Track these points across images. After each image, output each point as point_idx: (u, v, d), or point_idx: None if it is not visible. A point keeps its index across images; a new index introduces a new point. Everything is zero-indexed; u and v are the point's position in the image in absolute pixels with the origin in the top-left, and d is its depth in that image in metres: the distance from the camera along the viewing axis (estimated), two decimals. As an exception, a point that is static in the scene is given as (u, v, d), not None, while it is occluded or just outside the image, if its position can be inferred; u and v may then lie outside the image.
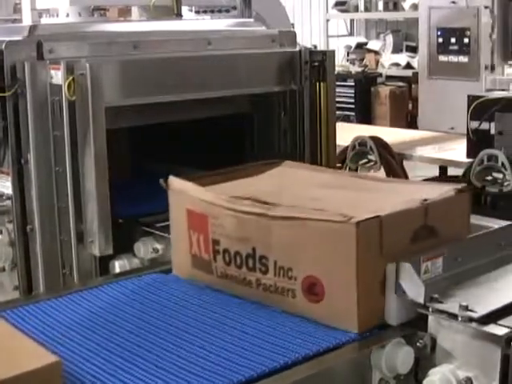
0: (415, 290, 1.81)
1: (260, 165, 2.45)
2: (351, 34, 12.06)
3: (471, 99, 4.45)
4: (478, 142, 4.39)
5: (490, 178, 4.03)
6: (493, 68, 8.75)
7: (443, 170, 5.18)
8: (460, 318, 1.73)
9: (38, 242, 2.90)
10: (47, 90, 2.84)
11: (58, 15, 3.51)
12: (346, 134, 4.79)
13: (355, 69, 10.83)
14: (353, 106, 10.27)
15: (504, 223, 2.21)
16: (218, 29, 3.60)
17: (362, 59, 11.06)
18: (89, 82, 2.73)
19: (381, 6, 10.80)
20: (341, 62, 10.87)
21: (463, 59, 9.19)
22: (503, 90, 4.83)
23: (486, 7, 8.79)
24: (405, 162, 4.93)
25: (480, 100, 4.41)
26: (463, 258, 1.93)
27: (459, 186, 2.07)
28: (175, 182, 2.22)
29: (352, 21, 12.02)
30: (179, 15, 3.67)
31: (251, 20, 3.78)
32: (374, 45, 11.16)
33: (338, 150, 3.97)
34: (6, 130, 2.86)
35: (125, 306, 2.04)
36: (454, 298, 1.80)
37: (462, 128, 4.77)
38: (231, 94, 3.38)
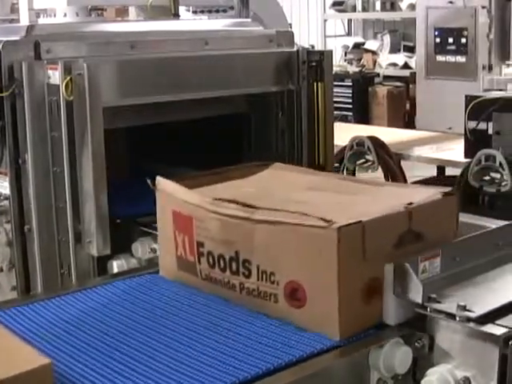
0: (413, 289, 1.81)
1: (249, 166, 2.43)
2: (349, 34, 12.07)
3: (469, 99, 4.46)
4: (475, 141, 4.40)
5: (487, 177, 4.04)
6: (490, 68, 8.76)
7: (441, 169, 5.19)
8: (458, 318, 1.73)
9: (36, 242, 2.90)
10: (45, 90, 2.83)
11: (55, 15, 3.51)
12: (344, 133, 4.80)
13: (353, 69, 10.85)
14: (350, 106, 10.28)
15: (502, 223, 2.20)
16: (215, 29, 3.60)
17: (360, 59, 11.07)
18: (86, 82, 2.73)
19: (378, 5, 10.81)
20: (338, 62, 10.88)
21: (461, 59, 9.20)
22: (501, 90, 4.83)
23: (483, 7, 8.80)
24: (402, 162, 4.94)
25: (478, 100, 4.42)
26: (461, 258, 1.93)
27: (447, 189, 2.04)
28: (162, 183, 2.20)
29: (349, 21, 12.04)
30: (176, 15, 3.67)
31: (248, 20, 3.78)
32: (371, 45, 11.17)
33: (335, 150, 3.97)
34: (4, 130, 2.86)
35: (116, 306, 2.03)
36: (452, 298, 1.80)
37: (459, 128, 4.79)
38: (229, 94, 3.38)
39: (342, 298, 1.79)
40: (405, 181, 4.78)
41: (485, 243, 2.04)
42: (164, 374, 1.66)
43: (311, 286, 1.84)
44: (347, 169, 4.74)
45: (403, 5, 10.43)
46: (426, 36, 9.47)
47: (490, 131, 4.36)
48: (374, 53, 10.98)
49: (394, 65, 10.56)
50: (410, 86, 10.02)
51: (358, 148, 4.63)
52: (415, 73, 9.83)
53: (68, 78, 2.75)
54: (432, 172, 5.30)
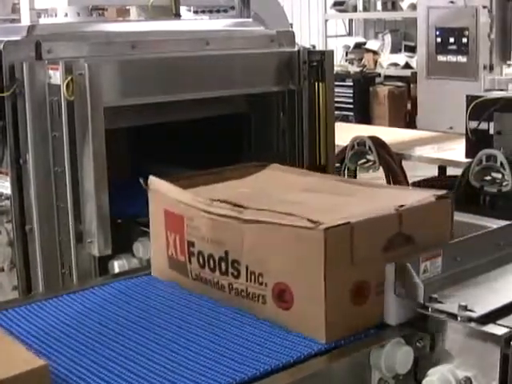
0: (414, 289, 1.81)
1: (246, 167, 2.42)
2: (350, 33, 12.08)
3: (470, 99, 4.46)
4: (476, 141, 4.40)
5: (488, 177, 4.04)
6: (491, 68, 8.76)
7: (442, 169, 5.19)
8: (459, 318, 1.73)
9: (37, 242, 2.90)
10: (46, 90, 2.83)
11: (56, 15, 3.51)
12: (345, 133, 4.80)
13: (354, 69, 10.85)
14: (351, 106, 10.28)
15: (503, 223, 2.21)
16: (216, 29, 3.60)
17: (361, 59, 11.07)
18: (87, 81, 2.73)
19: (379, 5, 10.81)
20: (339, 62, 10.88)
21: (462, 59, 9.20)
22: (502, 89, 4.83)
23: (484, 7, 8.80)
24: (404, 162, 4.94)
25: (479, 100, 4.42)
26: (462, 258, 1.93)
27: (442, 191, 2.01)
28: (154, 182, 2.20)
29: (350, 21, 12.04)
30: (177, 15, 3.67)
31: (250, 20, 3.78)
32: (372, 45, 11.17)
33: (336, 150, 3.97)
34: (5, 130, 2.86)
35: (112, 307, 2.04)
36: (453, 298, 1.80)
37: (460, 128, 4.79)
38: (230, 94, 3.38)
39: (329, 300, 1.77)
40: (406, 181, 4.78)
41: (486, 243, 2.04)
42: (161, 376, 1.65)
43: (298, 288, 1.82)
44: (348, 169, 4.74)
45: (404, 4, 10.43)
46: (427, 36, 9.47)
47: (491, 131, 4.36)
48: (375, 53, 10.98)
49: (395, 65, 10.56)
50: (411, 85, 10.01)
51: (359, 148, 4.63)
52: (416, 73, 9.83)
53: (69, 77, 2.75)
54: (433, 172, 5.30)
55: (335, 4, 11.32)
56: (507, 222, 2.19)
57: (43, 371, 1.52)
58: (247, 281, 1.92)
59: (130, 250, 3.03)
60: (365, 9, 11.10)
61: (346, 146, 4.65)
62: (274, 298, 1.87)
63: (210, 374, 1.65)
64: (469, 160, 4.22)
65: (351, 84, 10.38)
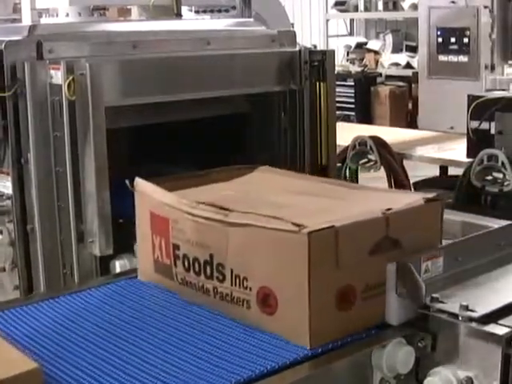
0: (416, 289, 1.80)
1: (234, 169, 2.38)
2: (351, 33, 12.08)
3: (471, 99, 4.46)
4: (478, 141, 4.40)
5: (490, 177, 4.04)
6: (493, 68, 8.76)
7: (443, 169, 5.19)
8: (460, 318, 1.73)
9: (39, 241, 2.90)
10: (47, 90, 2.84)
11: (57, 15, 3.51)
12: (346, 133, 4.80)
13: (355, 68, 10.85)
14: (353, 106, 10.29)
15: (504, 223, 2.20)
16: (217, 29, 3.60)
17: (362, 59, 11.08)
18: (89, 81, 2.73)
19: (380, 5, 10.82)
20: (340, 62, 10.89)
21: (463, 59, 9.20)
22: (503, 89, 4.83)
23: (485, 7, 8.81)
24: (405, 162, 4.93)
25: (480, 100, 4.42)
26: (463, 258, 1.93)
27: (431, 194, 1.98)
28: (140, 184, 2.17)
29: (352, 20, 12.05)
30: (179, 15, 3.67)
31: (251, 20, 3.78)
32: (373, 44, 11.18)
33: (338, 150, 3.97)
34: (6, 129, 2.86)
35: (105, 307, 2.03)
36: (455, 298, 1.80)
37: (461, 128, 4.78)
38: (231, 94, 3.38)
39: (313, 306, 1.73)
40: (407, 180, 4.78)
41: (487, 243, 2.04)
42: (153, 376, 1.65)
43: (282, 293, 1.79)
44: (350, 169, 4.74)
45: (405, 4, 10.43)
46: (428, 36, 9.47)
47: (493, 131, 4.36)
48: (376, 52, 10.99)
49: (397, 64, 10.56)
50: (413, 85, 10.02)
51: (360, 148, 4.63)
52: (417, 72, 9.84)
53: (70, 77, 2.75)
54: (435, 172, 5.30)
55: (336, 4, 11.33)
56: (508, 222, 2.19)
57: (35, 374, 1.50)
58: (232, 285, 1.89)
59: (131, 250, 3.02)
60: (366, 9, 11.11)
61: (348, 146, 4.65)
62: (259, 303, 1.84)
63: (200, 373, 1.64)
64: (470, 160, 4.22)
65: (352, 84, 10.38)
